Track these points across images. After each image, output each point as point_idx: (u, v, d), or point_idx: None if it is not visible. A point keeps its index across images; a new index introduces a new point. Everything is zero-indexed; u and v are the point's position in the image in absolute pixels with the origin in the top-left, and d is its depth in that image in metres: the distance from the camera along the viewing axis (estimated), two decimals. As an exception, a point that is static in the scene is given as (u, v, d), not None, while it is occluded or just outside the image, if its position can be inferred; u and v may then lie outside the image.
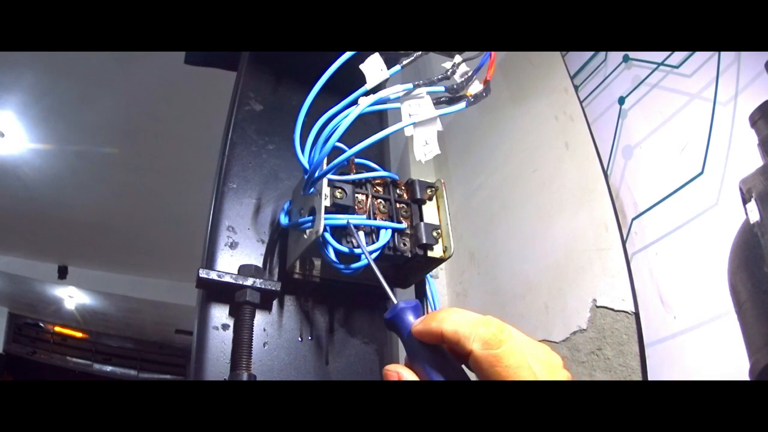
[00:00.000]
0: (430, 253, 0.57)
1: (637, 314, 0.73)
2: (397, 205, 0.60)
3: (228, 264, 0.63)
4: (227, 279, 0.58)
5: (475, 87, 0.54)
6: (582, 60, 0.95)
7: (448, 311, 0.35)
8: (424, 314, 0.38)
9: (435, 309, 0.65)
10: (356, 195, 0.58)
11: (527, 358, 0.33)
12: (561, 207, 0.89)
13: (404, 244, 0.57)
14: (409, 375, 0.36)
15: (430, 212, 0.60)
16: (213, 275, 0.58)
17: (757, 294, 0.51)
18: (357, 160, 0.63)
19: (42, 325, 4.12)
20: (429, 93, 0.54)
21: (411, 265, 0.61)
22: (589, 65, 0.94)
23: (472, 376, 0.36)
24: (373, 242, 0.56)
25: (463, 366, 0.36)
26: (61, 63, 1.95)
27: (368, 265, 0.47)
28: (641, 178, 0.81)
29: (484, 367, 0.32)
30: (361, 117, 0.51)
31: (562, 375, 0.34)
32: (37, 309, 3.96)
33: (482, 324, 0.34)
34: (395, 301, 0.40)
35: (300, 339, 0.63)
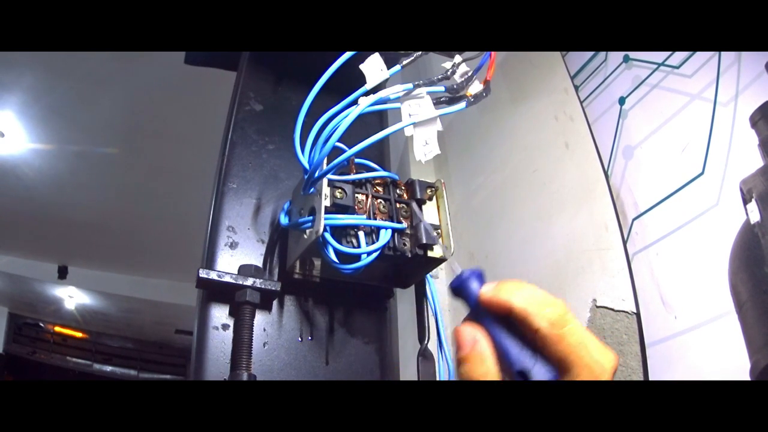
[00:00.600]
0: (430, 253, 0.57)
1: (637, 314, 0.73)
2: (397, 205, 0.60)
3: (228, 264, 0.63)
4: (227, 279, 0.58)
5: (475, 87, 0.54)
6: (582, 60, 0.95)
7: (517, 285, 0.37)
8: (483, 284, 0.40)
9: (435, 309, 0.65)
10: (356, 195, 0.58)
11: (587, 336, 0.36)
12: (561, 207, 0.89)
13: (404, 244, 0.57)
14: (483, 338, 0.37)
15: (430, 212, 0.60)
16: (213, 275, 0.58)
17: (758, 294, 0.51)
18: (357, 160, 0.63)
19: (42, 325, 4.12)
20: (429, 93, 0.54)
21: (411, 265, 0.61)
22: (590, 65, 0.94)
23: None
24: (373, 242, 0.56)
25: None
26: (61, 63, 1.95)
27: (368, 265, 0.48)
28: (642, 178, 0.81)
29: (549, 344, 0.35)
30: (361, 117, 0.51)
31: (612, 356, 0.36)
32: (37, 309, 3.96)
33: (549, 304, 0.36)
34: (459, 270, 0.41)
35: (300, 339, 0.63)
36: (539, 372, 0.35)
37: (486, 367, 0.37)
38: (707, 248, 0.68)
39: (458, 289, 0.41)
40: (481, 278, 0.40)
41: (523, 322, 0.36)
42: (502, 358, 0.37)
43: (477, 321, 0.39)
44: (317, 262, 0.64)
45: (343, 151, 0.51)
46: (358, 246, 0.55)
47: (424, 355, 0.61)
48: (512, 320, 0.37)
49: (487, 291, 0.38)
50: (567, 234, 0.87)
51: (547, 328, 0.35)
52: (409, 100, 0.53)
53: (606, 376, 0.34)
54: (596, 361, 0.35)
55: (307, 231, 0.56)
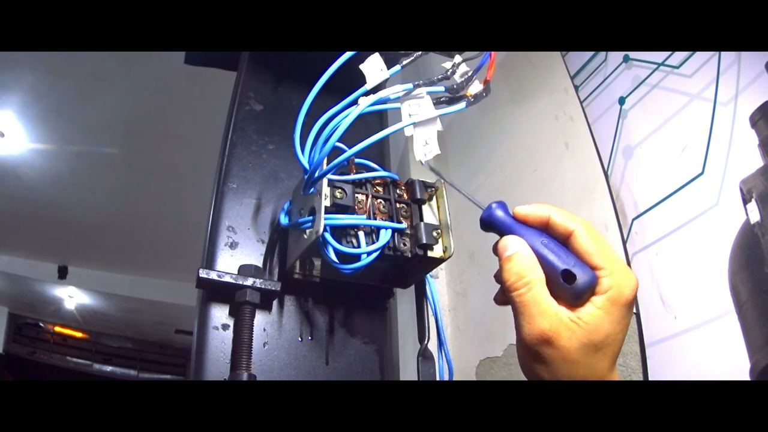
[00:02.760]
0: (430, 253, 0.57)
1: (637, 314, 0.73)
2: (397, 205, 0.60)
3: (228, 264, 0.63)
4: (227, 279, 0.58)
5: (475, 87, 0.54)
6: (582, 60, 0.95)
7: (548, 205, 0.43)
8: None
9: (435, 309, 0.65)
10: (356, 195, 0.58)
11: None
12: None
13: (404, 244, 0.57)
14: (526, 247, 0.42)
15: (430, 212, 0.60)
16: (213, 275, 0.58)
17: (758, 294, 0.51)
18: (357, 160, 0.63)
19: (42, 325, 4.12)
20: (429, 93, 0.53)
21: (411, 265, 0.61)
22: (590, 65, 0.94)
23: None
24: (373, 242, 0.56)
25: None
26: (61, 63, 1.95)
27: (368, 265, 0.49)
28: (642, 178, 0.81)
29: (584, 243, 0.40)
30: (361, 117, 0.51)
31: (622, 261, 0.41)
32: (37, 309, 3.96)
33: (579, 218, 0.42)
34: (482, 206, 0.46)
35: (300, 339, 0.63)
36: (580, 269, 0.39)
37: (530, 263, 0.40)
38: (707, 248, 0.68)
39: (489, 218, 0.45)
40: (504, 206, 0.45)
41: (560, 226, 0.41)
42: (544, 262, 0.41)
43: (514, 234, 0.43)
44: (317, 262, 0.64)
45: (343, 151, 0.51)
46: (358, 246, 0.55)
47: (424, 355, 0.61)
48: (549, 227, 0.42)
49: (522, 207, 0.43)
50: (567, 234, 0.87)
51: (581, 228, 0.41)
52: (409, 100, 0.53)
53: (633, 284, 0.39)
54: (625, 266, 0.40)
55: (307, 231, 0.56)
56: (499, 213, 0.44)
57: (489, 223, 0.45)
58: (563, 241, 0.41)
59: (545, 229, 0.42)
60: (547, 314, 0.38)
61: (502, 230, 0.44)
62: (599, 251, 0.40)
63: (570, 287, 0.39)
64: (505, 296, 0.42)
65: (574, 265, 0.39)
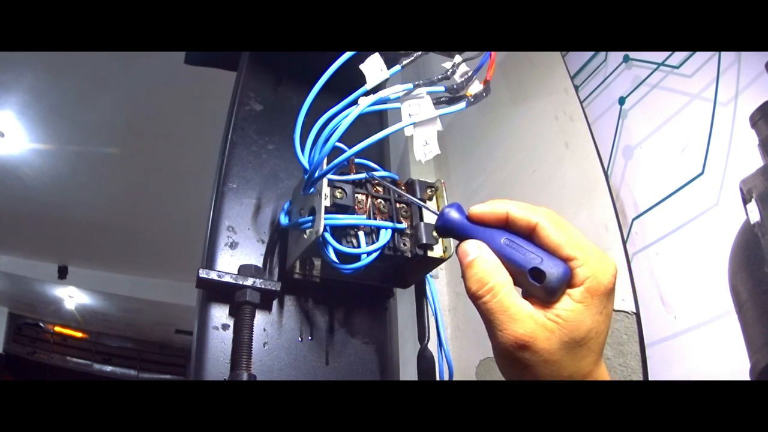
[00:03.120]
0: (430, 253, 0.57)
1: (637, 314, 0.73)
2: (397, 205, 0.60)
3: (228, 264, 0.63)
4: (227, 279, 0.58)
5: (475, 87, 0.54)
6: (582, 60, 0.95)
7: (505, 200, 0.41)
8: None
9: (435, 309, 0.65)
10: (356, 195, 0.58)
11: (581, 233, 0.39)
12: (561, 207, 0.89)
13: (404, 244, 0.57)
14: (485, 247, 0.39)
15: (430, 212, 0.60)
16: (213, 275, 0.58)
17: (758, 294, 0.51)
18: (357, 160, 0.63)
19: (42, 325, 4.12)
20: (429, 93, 0.53)
21: (411, 265, 0.61)
22: (590, 65, 0.94)
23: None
24: (373, 242, 0.56)
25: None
26: (61, 63, 1.95)
27: (368, 265, 0.48)
28: (642, 178, 0.81)
29: (550, 235, 0.38)
30: (361, 117, 0.51)
31: (595, 247, 0.38)
32: (37, 309, 3.96)
33: (541, 208, 0.39)
34: (436, 212, 0.44)
35: (300, 339, 0.63)
36: (549, 264, 0.36)
37: (491, 267, 0.38)
38: (707, 248, 0.68)
39: (444, 224, 0.42)
40: (460, 208, 0.42)
41: (521, 221, 0.39)
42: (509, 263, 0.38)
43: (473, 238, 0.40)
44: (317, 262, 0.64)
45: (343, 151, 0.51)
46: (358, 246, 0.55)
47: (424, 355, 0.61)
48: (510, 224, 0.39)
49: (478, 207, 0.41)
50: (567, 234, 0.87)
51: (544, 219, 0.38)
52: (409, 100, 0.53)
53: (612, 269, 0.37)
54: (600, 252, 0.37)
55: (307, 231, 0.56)
56: (454, 215, 0.42)
57: (445, 229, 0.42)
58: (527, 236, 0.39)
59: (506, 226, 0.40)
60: (519, 319, 0.36)
61: (460, 235, 0.41)
62: (568, 241, 0.37)
63: (541, 285, 0.36)
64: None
65: (542, 261, 0.37)
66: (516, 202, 0.40)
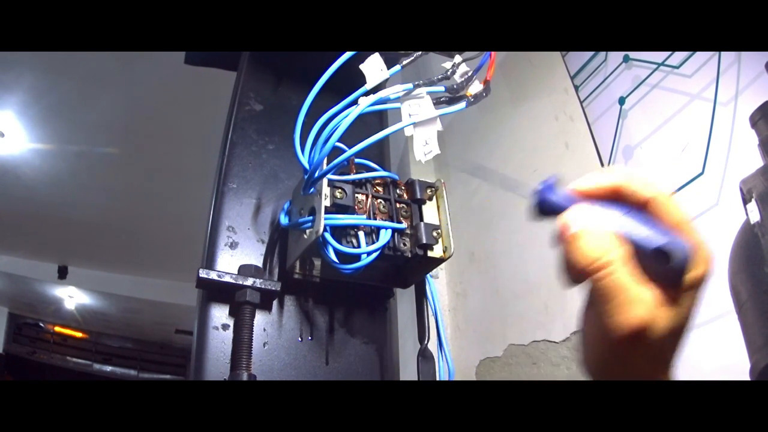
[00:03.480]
0: (430, 253, 0.57)
1: (637, 314, 0.73)
2: (397, 205, 0.60)
3: (228, 264, 0.63)
4: (227, 279, 0.58)
5: (475, 87, 0.54)
6: (582, 60, 0.95)
7: (610, 171, 0.34)
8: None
9: (435, 309, 0.65)
10: (356, 195, 0.58)
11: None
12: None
13: (404, 244, 0.57)
14: (598, 221, 0.33)
15: (430, 212, 0.60)
16: (213, 275, 0.58)
17: (758, 294, 0.51)
18: (357, 160, 0.63)
19: (42, 325, 4.12)
20: (429, 93, 0.54)
21: (411, 265, 0.61)
22: (590, 65, 0.94)
23: None
24: (373, 242, 0.56)
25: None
26: (61, 63, 1.95)
27: (368, 265, 0.47)
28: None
29: (668, 209, 0.33)
30: (361, 117, 0.51)
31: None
32: (37, 309, 3.96)
33: (652, 180, 0.34)
34: (524, 185, 0.38)
35: (300, 339, 0.63)
36: (677, 244, 0.31)
37: (607, 239, 0.32)
38: (707, 248, 0.68)
39: (543, 201, 0.35)
40: (555, 186, 0.36)
41: (633, 195, 0.33)
42: (628, 239, 0.33)
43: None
44: (317, 262, 0.64)
45: (343, 151, 0.51)
46: (358, 246, 0.55)
47: (424, 355, 0.61)
48: (621, 198, 0.34)
49: (582, 182, 0.35)
50: (567, 234, 0.87)
51: (664, 194, 0.33)
52: (409, 100, 0.53)
53: (712, 257, 0.32)
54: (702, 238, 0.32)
55: (307, 231, 0.56)
56: (556, 193, 0.35)
57: (545, 206, 0.36)
58: (642, 203, 0.33)
59: (615, 198, 0.34)
60: (642, 300, 0.30)
61: (556, 213, 0.35)
62: (686, 221, 0.32)
63: (668, 267, 0.31)
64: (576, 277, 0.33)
65: (668, 239, 0.32)
66: (627, 170, 0.34)
